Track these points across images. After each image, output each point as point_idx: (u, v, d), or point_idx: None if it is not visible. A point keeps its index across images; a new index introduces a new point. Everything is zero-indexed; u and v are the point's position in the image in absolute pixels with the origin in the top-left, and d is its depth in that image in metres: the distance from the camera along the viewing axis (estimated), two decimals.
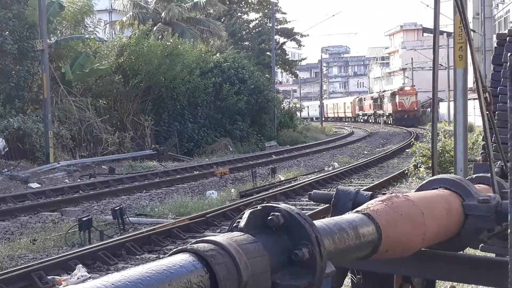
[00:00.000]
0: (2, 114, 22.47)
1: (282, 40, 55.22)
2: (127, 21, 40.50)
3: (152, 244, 10.01)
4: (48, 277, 7.94)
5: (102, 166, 22.99)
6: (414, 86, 64.49)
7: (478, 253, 3.94)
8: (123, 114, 28.51)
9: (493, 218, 2.34)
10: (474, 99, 31.97)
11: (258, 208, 1.49)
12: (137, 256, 9.42)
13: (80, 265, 8.32)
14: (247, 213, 1.48)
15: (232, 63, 34.48)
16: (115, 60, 28.21)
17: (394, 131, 50.00)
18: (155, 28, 36.83)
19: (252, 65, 38.67)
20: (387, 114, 65.33)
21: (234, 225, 1.50)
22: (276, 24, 50.43)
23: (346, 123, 76.21)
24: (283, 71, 62.54)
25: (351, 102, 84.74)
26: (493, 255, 3.74)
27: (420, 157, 16.05)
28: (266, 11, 54.01)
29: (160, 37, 34.14)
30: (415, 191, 2.48)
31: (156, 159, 25.28)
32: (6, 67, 24.04)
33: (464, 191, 2.41)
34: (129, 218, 12.02)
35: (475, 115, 38.46)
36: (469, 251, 3.15)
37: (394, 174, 18.10)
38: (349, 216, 1.84)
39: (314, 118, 79.58)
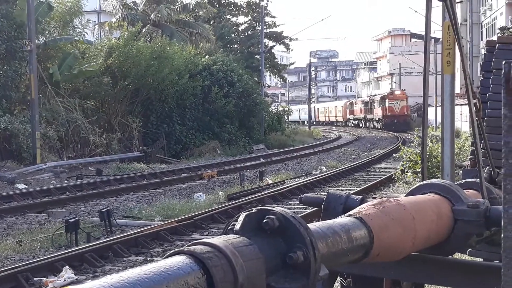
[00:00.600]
0: None
1: (271, 43, 55.36)
2: (116, 22, 40.39)
3: (140, 247, 9.98)
4: (35, 278, 7.91)
5: (89, 168, 22.89)
6: (404, 90, 62.60)
7: (466, 257, 3.99)
8: (111, 115, 28.39)
9: (482, 223, 2.36)
10: (461, 105, 32.19)
11: (254, 211, 1.50)
12: (124, 258, 9.38)
13: (67, 266, 8.28)
14: (242, 215, 1.50)
15: (221, 66, 34.48)
16: (104, 62, 28.09)
17: (382, 136, 50.19)
18: (144, 30, 36.73)
19: (241, 68, 38.68)
20: (377, 118, 62.84)
21: (229, 227, 1.51)
22: (265, 27, 50.49)
23: (334, 127, 75.96)
24: (271, 74, 62.61)
25: (342, 106, 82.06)
26: (480, 259, 3.78)
27: (407, 162, 16.14)
28: (255, 14, 54.13)
29: (149, 39, 34.08)
30: (405, 196, 2.50)
31: (144, 161, 25.20)
32: None
33: (454, 196, 2.44)
34: (116, 220, 11.99)
35: (461, 121, 38.73)
36: (457, 255, 3.18)
37: (381, 178, 18.17)
38: (342, 219, 1.86)
39: (305, 122, 78.90)
